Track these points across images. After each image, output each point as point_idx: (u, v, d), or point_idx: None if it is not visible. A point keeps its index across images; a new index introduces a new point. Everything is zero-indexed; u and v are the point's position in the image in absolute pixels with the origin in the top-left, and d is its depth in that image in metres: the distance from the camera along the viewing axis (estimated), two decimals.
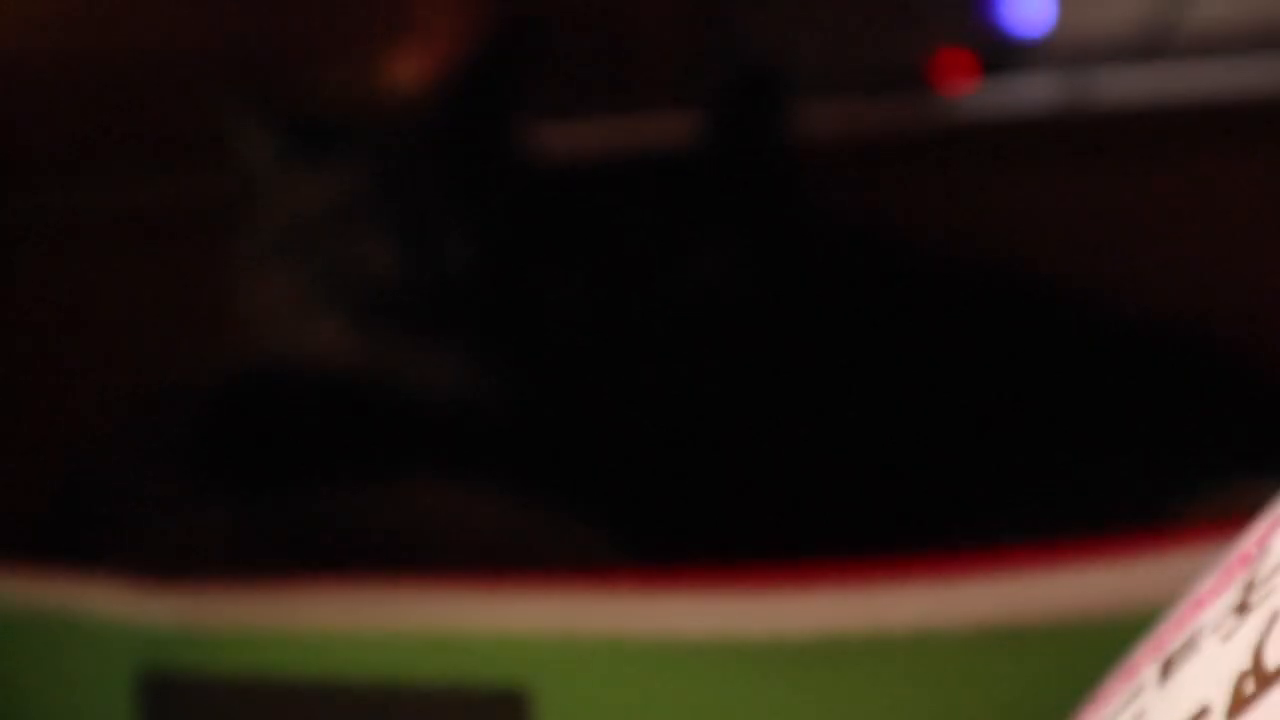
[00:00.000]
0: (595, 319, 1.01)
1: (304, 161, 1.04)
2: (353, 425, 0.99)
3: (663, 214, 1.04)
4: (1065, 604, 0.67)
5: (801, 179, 1.07)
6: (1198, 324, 1.06)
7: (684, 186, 1.04)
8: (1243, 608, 0.44)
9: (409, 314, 1.01)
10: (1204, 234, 1.21)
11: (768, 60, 1.06)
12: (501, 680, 0.74)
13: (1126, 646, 0.64)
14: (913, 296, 1.06)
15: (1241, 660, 0.42)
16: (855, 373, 1.01)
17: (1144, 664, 0.48)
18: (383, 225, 1.02)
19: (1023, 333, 1.04)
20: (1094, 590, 0.67)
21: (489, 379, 1.01)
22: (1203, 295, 1.18)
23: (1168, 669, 0.46)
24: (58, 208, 1.32)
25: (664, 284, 1.01)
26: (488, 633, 0.74)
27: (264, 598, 0.80)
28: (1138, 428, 0.97)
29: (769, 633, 0.70)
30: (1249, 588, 0.44)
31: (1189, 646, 0.45)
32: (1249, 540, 0.47)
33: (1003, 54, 1.30)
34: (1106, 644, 0.66)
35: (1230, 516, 0.66)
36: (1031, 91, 1.28)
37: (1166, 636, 0.47)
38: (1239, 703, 0.41)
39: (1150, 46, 1.26)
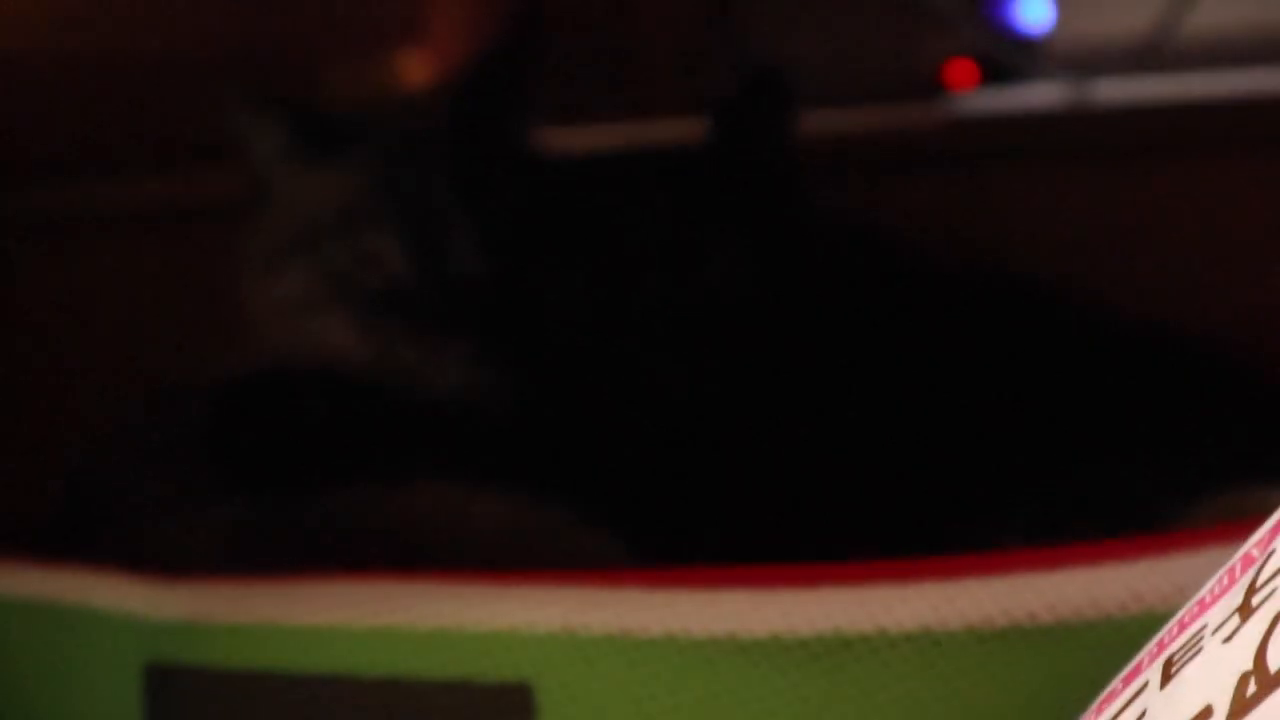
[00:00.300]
0: (600, 319, 1.01)
1: (313, 161, 1.04)
2: (359, 423, 0.99)
3: (668, 215, 1.04)
4: (1068, 604, 0.67)
5: (806, 181, 1.07)
6: (1201, 328, 1.06)
7: (689, 187, 1.04)
8: (1245, 610, 0.44)
9: (416, 313, 1.01)
10: (1207, 237, 1.21)
11: (773, 64, 1.05)
12: (506, 676, 0.74)
13: (1129, 647, 0.65)
14: (917, 299, 1.06)
15: (1244, 661, 0.42)
16: (860, 374, 1.01)
17: (1147, 665, 0.48)
18: (391, 225, 1.02)
19: (1027, 336, 1.04)
20: (1096, 591, 0.67)
21: (495, 378, 1.01)
22: (1206, 299, 1.18)
23: (1170, 670, 0.46)
24: (66, 206, 1.33)
25: (669, 284, 1.01)
26: (493, 629, 0.74)
27: (270, 594, 0.80)
28: (1141, 432, 0.97)
29: (772, 631, 0.70)
30: (1251, 590, 0.45)
31: (1191, 647, 0.46)
32: (1251, 543, 0.47)
33: (1006, 61, 1.30)
34: (1109, 644, 0.66)
35: (1233, 520, 0.67)
36: (1034, 97, 1.28)
37: (1169, 638, 0.48)
38: (1241, 703, 0.42)
39: (1152, 52, 1.27)
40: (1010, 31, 1.34)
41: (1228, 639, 0.44)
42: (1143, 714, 0.46)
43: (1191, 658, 0.45)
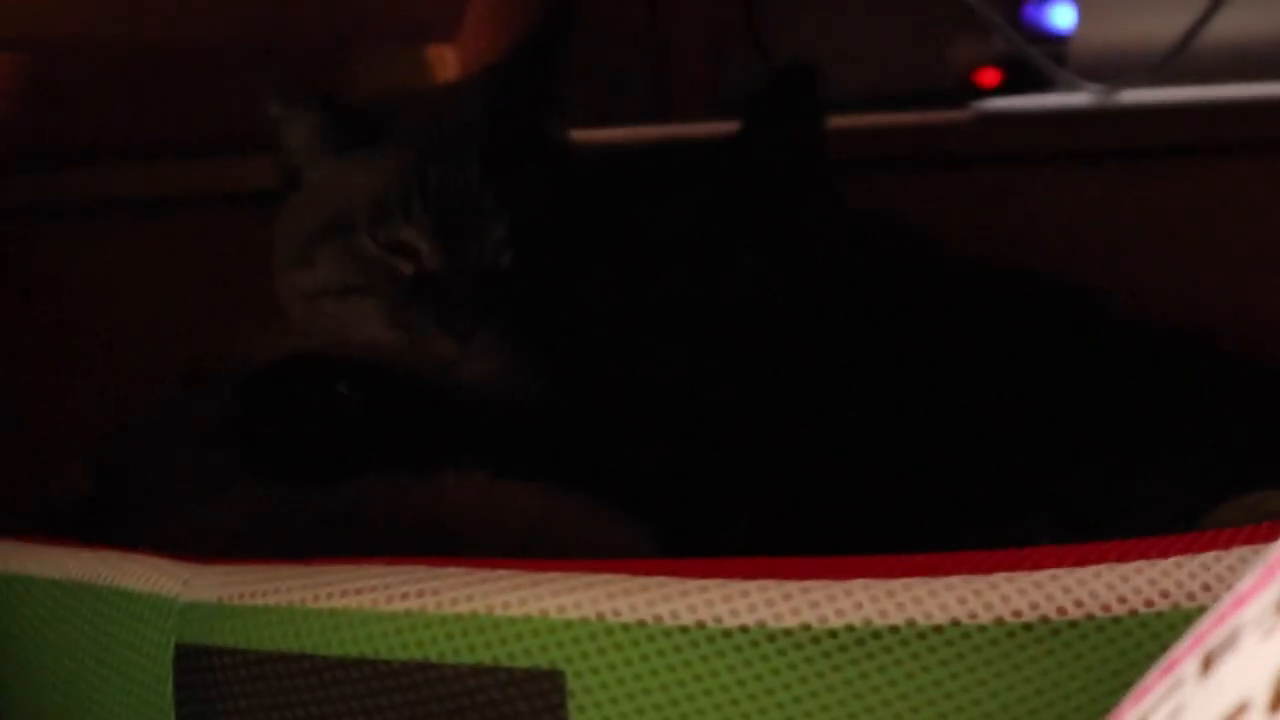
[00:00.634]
0: (627, 311, 1.01)
1: (345, 151, 1.05)
2: (388, 412, 1.00)
3: (696, 210, 1.04)
4: (1097, 600, 0.67)
5: (834, 180, 1.08)
6: (1229, 330, 1.07)
7: (718, 183, 1.05)
8: None
9: (446, 303, 1.02)
10: (1232, 240, 1.21)
11: (803, 62, 1.05)
12: (537, 662, 0.74)
13: (1156, 644, 0.65)
14: (942, 298, 1.06)
15: None
16: (886, 371, 1.02)
17: (1184, 660, 0.48)
18: (421, 215, 1.03)
19: (1054, 337, 1.05)
20: (1125, 587, 0.67)
21: (524, 368, 1.02)
22: (1234, 301, 1.18)
23: (1208, 664, 0.46)
24: (99, 192, 1.33)
25: (696, 278, 1.02)
26: (524, 615, 0.74)
27: (300, 576, 0.80)
28: (1168, 433, 0.97)
29: (802, 621, 0.70)
30: None
31: (1230, 643, 0.46)
32: None
33: (1033, 65, 1.31)
34: (1136, 641, 0.67)
35: (1260, 521, 0.67)
36: (1060, 101, 1.29)
37: (1207, 632, 0.48)
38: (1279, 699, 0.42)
39: (1175, 59, 1.27)
40: (1037, 36, 1.34)
41: (1267, 634, 0.44)
42: (1179, 707, 0.46)
43: (1229, 652, 0.46)
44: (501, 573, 0.76)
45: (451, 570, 0.77)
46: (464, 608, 0.76)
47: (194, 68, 1.29)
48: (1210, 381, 1.03)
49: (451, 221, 1.03)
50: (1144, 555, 0.69)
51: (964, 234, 1.11)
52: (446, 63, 1.32)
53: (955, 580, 0.69)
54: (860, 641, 0.70)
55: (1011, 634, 0.68)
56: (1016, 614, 0.68)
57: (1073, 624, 0.68)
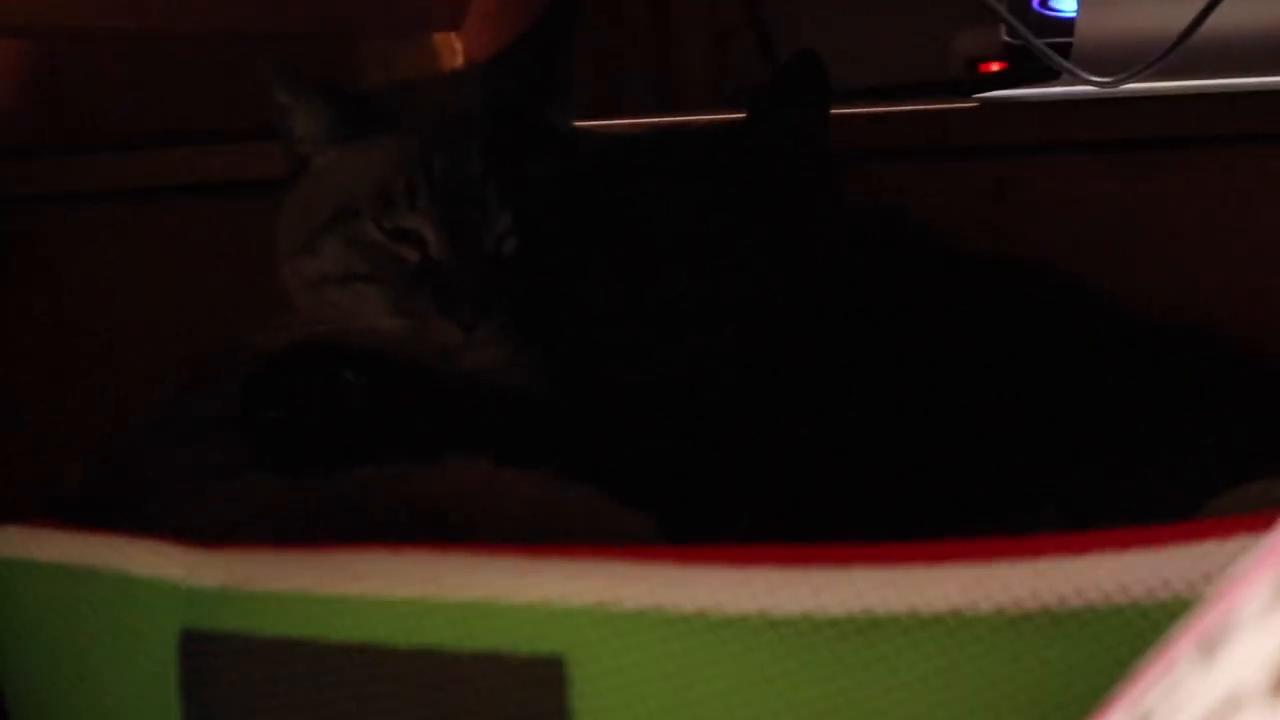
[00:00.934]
0: (634, 303, 1.02)
1: (351, 140, 1.05)
2: (393, 399, 1.00)
3: (699, 200, 1.04)
4: (1098, 589, 0.68)
5: (837, 171, 1.08)
6: (1230, 321, 1.07)
7: (721, 174, 1.05)
8: None
9: (450, 291, 1.02)
10: (1234, 231, 1.22)
11: (808, 57, 1.05)
12: (539, 649, 0.74)
13: (1157, 633, 0.66)
14: (945, 290, 1.07)
15: None
16: (889, 362, 1.02)
17: (1183, 642, 0.48)
18: (426, 204, 1.03)
19: (1058, 328, 1.05)
20: (1126, 576, 0.68)
21: (527, 356, 1.02)
22: (1235, 293, 1.18)
23: (1206, 651, 0.47)
24: (108, 180, 1.33)
25: (701, 272, 1.02)
26: (526, 602, 0.74)
27: (306, 562, 0.80)
28: (1168, 424, 0.98)
29: (803, 610, 0.70)
30: None
31: (1227, 629, 0.46)
32: None
33: (1036, 56, 1.31)
34: (1137, 629, 0.67)
35: (1260, 510, 0.67)
36: (1064, 91, 1.29)
37: (1205, 619, 0.48)
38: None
39: (1178, 49, 1.27)
40: (1041, 27, 1.34)
41: (1264, 620, 0.45)
42: (1176, 694, 0.47)
43: (1227, 639, 0.46)
44: (504, 559, 0.76)
45: (454, 557, 0.78)
46: (466, 594, 0.76)
47: (199, 57, 1.29)
48: (1212, 376, 1.03)
49: (456, 210, 1.03)
50: (1146, 543, 0.69)
51: (967, 225, 1.11)
52: (452, 51, 1.33)
53: (956, 568, 0.69)
54: (861, 630, 0.70)
55: (1012, 623, 0.68)
56: (1018, 603, 0.68)
57: (1074, 613, 0.68)
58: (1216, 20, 1.28)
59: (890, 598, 0.69)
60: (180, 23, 1.23)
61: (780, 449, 0.99)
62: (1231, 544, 0.67)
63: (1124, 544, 0.69)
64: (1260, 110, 1.23)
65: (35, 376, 1.35)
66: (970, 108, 1.25)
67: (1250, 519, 0.68)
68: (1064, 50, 1.32)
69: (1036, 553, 0.69)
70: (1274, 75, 1.27)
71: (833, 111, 1.07)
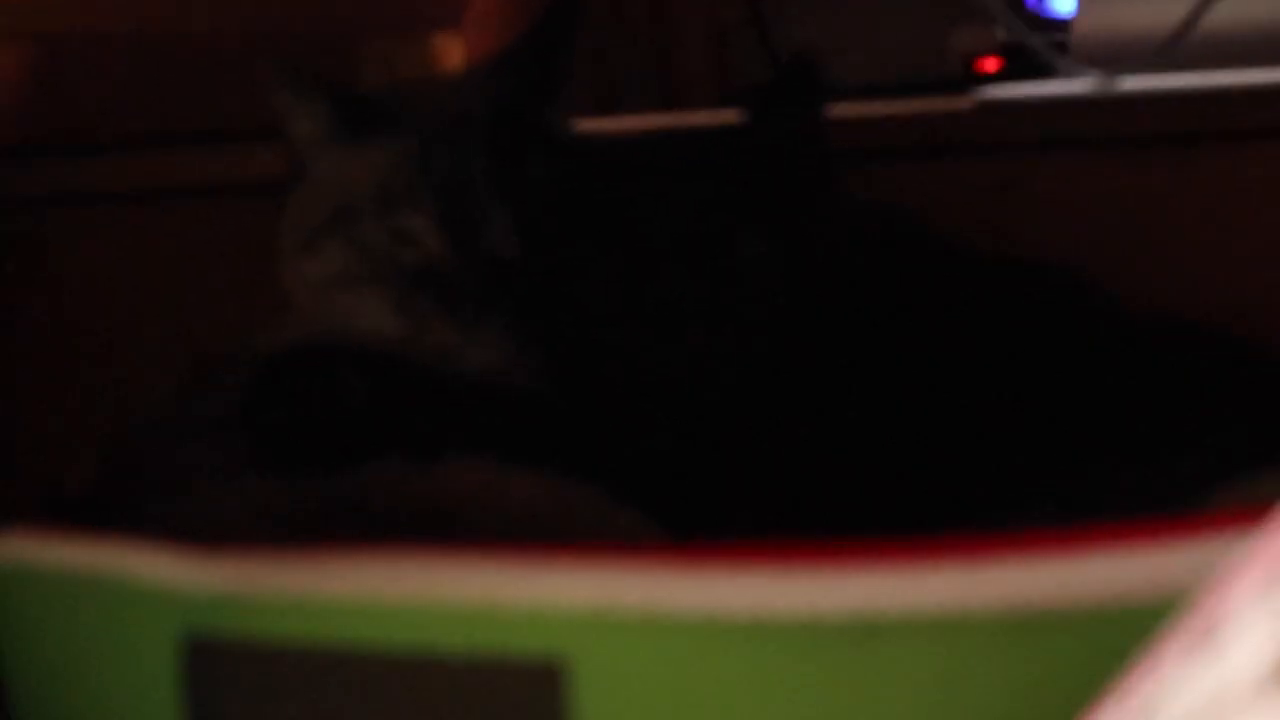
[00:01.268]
0: (636, 304, 1.02)
1: (351, 141, 1.05)
2: (394, 400, 1.00)
3: (699, 201, 1.04)
4: (1097, 588, 0.68)
5: (836, 170, 1.08)
6: (1227, 317, 1.07)
7: (721, 174, 1.05)
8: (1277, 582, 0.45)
9: (451, 292, 1.02)
10: (1234, 228, 1.22)
11: (804, 53, 1.06)
12: (538, 653, 0.74)
13: (1156, 631, 0.66)
14: (944, 287, 1.07)
15: None
16: (887, 361, 1.02)
17: (1172, 642, 0.49)
18: (426, 205, 1.03)
19: (1054, 325, 1.05)
20: (1125, 575, 0.68)
21: (529, 357, 1.02)
22: (1232, 289, 1.19)
23: (1196, 645, 0.47)
24: (108, 182, 1.34)
25: (702, 272, 1.02)
26: (526, 606, 0.75)
27: (305, 566, 0.81)
28: (1165, 420, 0.98)
29: (803, 612, 0.70)
30: None
31: (1219, 624, 0.46)
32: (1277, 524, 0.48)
33: (1034, 52, 1.31)
34: (1139, 628, 0.67)
35: (1252, 506, 0.68)
36: (1062, 88, 1.29)
37: (1196, 614, 0.48)
38: None
39: (1176, 45, 1.27)
40: (1039, 23, 1.35)
41: (1256, 611, 0.45)
42: (1168, 685, 0.47)
43: (1220, 631, 0.46)
44: (501, 561, 0.76)
45: (453, 560, 0.78)
46: (464, 596, 0.76)
47: (199, 57, 1.29)
48: (1213, 373, 1.03)
49: (457, 211, 1.03)
50: (1143, 539, 0.69)
51: (965, 223, 1.12)
52: (452, 52, 1.33)
53: (955, 569, 0.70)
54: (861, 632, 0.70)
55: (1013, 624, 0.68)
56: (1018, 603, 0.68)
57: (1075, 613, 0.68)
58: (1214, 15, 1.28)
59: (889, 599, 0.70)
60: (180, 23, 1.23)
61: (782, 449, 0.99)
62: (1225, 541, 0.68)
63: (1123, 541, 0.69)
64: (1260, 107, 1.23)
65: (35, 376, 1.36)
66: (967, 106, 1.26)
67: (1246, 514, 0.68)
68: (1061, 47, 1.33)
69: (1032, 551, 0.70)
70: (1272, 70, 1.27)
71: (830, 111, 1.07)
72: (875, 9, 1.30)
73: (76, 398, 1.34)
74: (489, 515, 0.90)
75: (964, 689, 0.69)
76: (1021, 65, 1.33)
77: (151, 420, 1.07)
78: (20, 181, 1.34)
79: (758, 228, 1.03)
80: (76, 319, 1.35)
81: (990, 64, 1.33)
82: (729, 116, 1.09)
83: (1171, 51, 1.27)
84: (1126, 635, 0.67)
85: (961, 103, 1.26)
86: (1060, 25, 1.35)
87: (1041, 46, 1.30)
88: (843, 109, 1.13)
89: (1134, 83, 1.26)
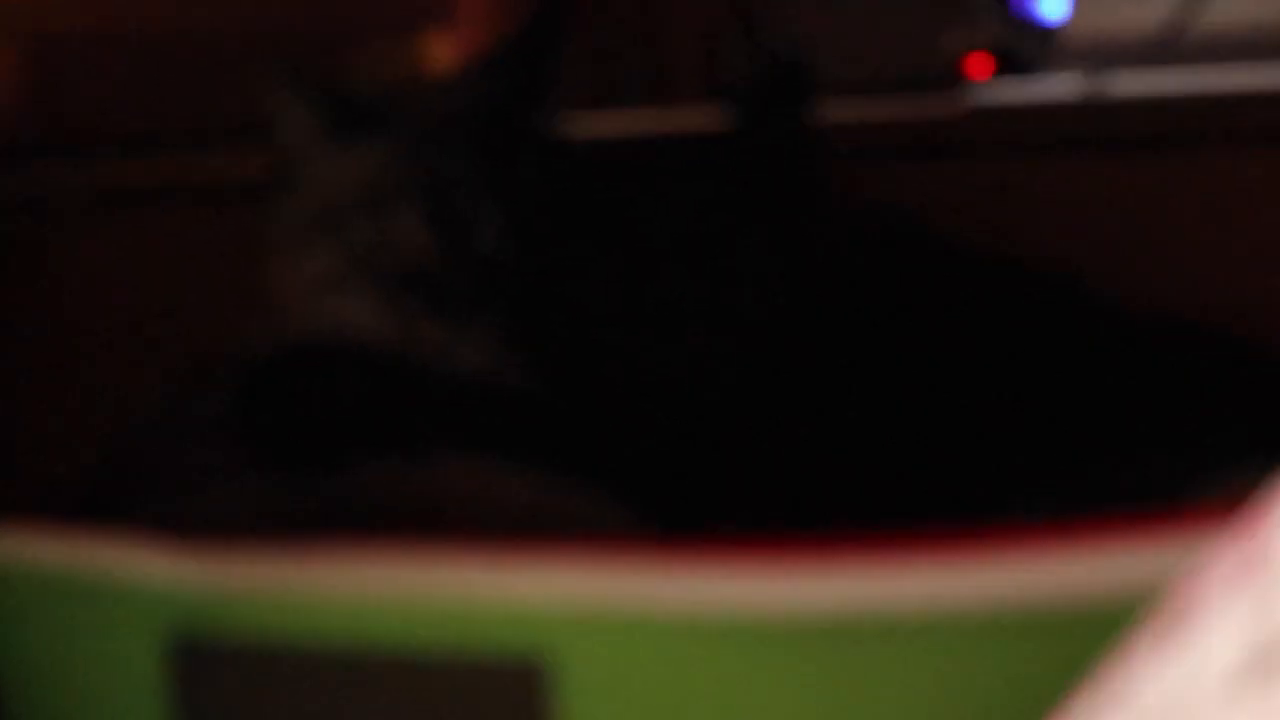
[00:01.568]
0: (621, 302, 1.02)
1: (341, 141, 1.06)
2: (385, 400, 1.00)
3: (688, 201, 1.05)
4: (1080, 587, 0.68)
5: (825, 170, 1.08)
6: (1213, 316, 1.07)
7: (710, 175, 1.05)
8: (1248, 576, 0.45)
9: (440, 292, 1.02)
10: (1219, 229, 1.22)
11: (791, 54, 1.06)
12: (522, 651, 0.74)
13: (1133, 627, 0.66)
14: (934, 287, 1.07)
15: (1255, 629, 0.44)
16: (877, 360, 1.02)
17: (1141, 637, 0.49)
18: (416, 205, 1.03)
19: (1043, 325, 1.05)
20: (1107, 574, 0.68)
21: (518, 357, 1.03)
22: (1218, 288, 1.19)
23: (1163, 640, 0.47)
24: (101, 182, 1.34)
25: (689, 269, 1.02)
26: (509, 604, 0.75)
27: (293, 564, 0.81)
28: (1155, 418, 0.98)
29: (787, 611, 0.70)
30: (1253, 564, 0.46)
31: (1186, 619, 0.47)
32: (1251, 518, 0.48)
33: (1024, 52, 1.31)
34: (1119, 625, 0.67)
35: (1236, 502, 0.68)
36: (1051, 89, 1.29)
37: (1165, 610, 0.49)
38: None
39: (1166, 45, 1.27)
40: (1028, 23, 1.35)
41: (1222, 607, 0.45)
42: (1136, 680, 0.47)
43: (1187, 626, 0.47)
44: (486, 558, 0.77)
45: (439, 559, 0.78)
46: (450, 597, 0.76)
47: (193, 59, 1.29)
48: (1207, 371, 1.03)
49: (447, 211, 1.03)
50: (1126, 537, 0.69)
51: (957, 225, 1.12)
52: (443, 52, 1.33)
53: (941, 567, 0.70)
54: (845, 631, 0.70)
55: (992, 623, 0.68)
56: (997, 602, 0.69)
57: (1054, 612, 0.68)
58: (1204, 17, 1.28)
59: (872, 598, 0.70)
60: (174, 24, 1.23)
61: (779, 449, 0.99)
62: (1207, 538, 0.68)
63: (1106, 537, 0.69)
64: (1250, 108, 1.23)
65: (34, 377, 1.36)
66: (957, 108, 1.26)
67: (1222, 512, 0.68)
68: (1051, 50, 1.33)
69: (1015, 551, 0.70)
70: (1263, 73, 1.27)
71: (819, 112, 1.07)
72: (865, 8, 1.31)
73: (76, 398, 1.34)
74: (480, 514, 0.91)
75: (949, 686, 0.69)
76: (1011, 67, 1.33)
77: (148, 420, 1.08)
78: (18, 182, 1.34)
79: (754, 228, 1.04)
80: (74, 319, 1.36)
81: (980, 66, 1.33)
82: (717, 113, 1.09)
83: (1160, 54, 1.28)
84: (1110, 632, 0.67)
85: (951, 104, 1.26)
86: (1050, 28, 1.35)
87: (1031, 49, 1.30)
88: (832, 110, 1.13)
89: (1123, 85, 1.26)
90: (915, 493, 0.96)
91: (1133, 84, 1.27)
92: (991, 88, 1.31)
